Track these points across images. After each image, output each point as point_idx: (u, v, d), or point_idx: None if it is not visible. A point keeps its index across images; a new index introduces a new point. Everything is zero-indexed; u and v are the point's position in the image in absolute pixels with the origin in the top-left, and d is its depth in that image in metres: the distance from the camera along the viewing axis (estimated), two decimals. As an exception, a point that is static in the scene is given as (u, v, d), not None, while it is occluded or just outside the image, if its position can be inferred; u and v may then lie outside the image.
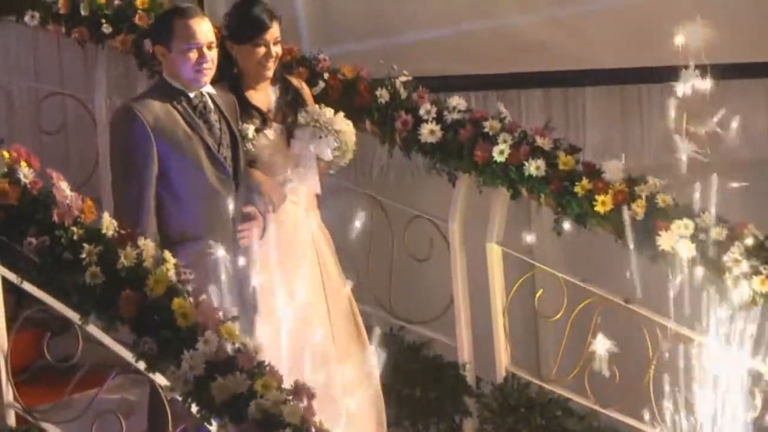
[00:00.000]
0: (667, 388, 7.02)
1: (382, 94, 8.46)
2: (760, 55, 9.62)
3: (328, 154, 7.26)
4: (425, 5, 9.66)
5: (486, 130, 8.30)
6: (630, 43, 9.10)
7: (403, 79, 8.56)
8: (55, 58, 9.78)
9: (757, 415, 7.09)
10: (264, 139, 7.59)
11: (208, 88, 7.44)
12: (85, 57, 9.62)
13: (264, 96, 7.78)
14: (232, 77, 7.73)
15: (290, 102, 7.70)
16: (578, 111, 9.63)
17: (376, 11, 9.37)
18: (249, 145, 7.53)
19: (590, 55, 9.49)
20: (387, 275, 8.16)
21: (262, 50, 7.70)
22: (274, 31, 7.73)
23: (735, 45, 9.01)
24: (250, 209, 7.42)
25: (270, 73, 7.77)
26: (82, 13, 9.15)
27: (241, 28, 7.76)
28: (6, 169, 6.60)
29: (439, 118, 8.42)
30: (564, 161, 8.14)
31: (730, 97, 7.55)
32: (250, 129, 7.56)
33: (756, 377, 7.13)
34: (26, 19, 9.29)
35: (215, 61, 7.43)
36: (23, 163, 6.63)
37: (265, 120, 7.63)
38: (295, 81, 7.84)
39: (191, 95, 7.38)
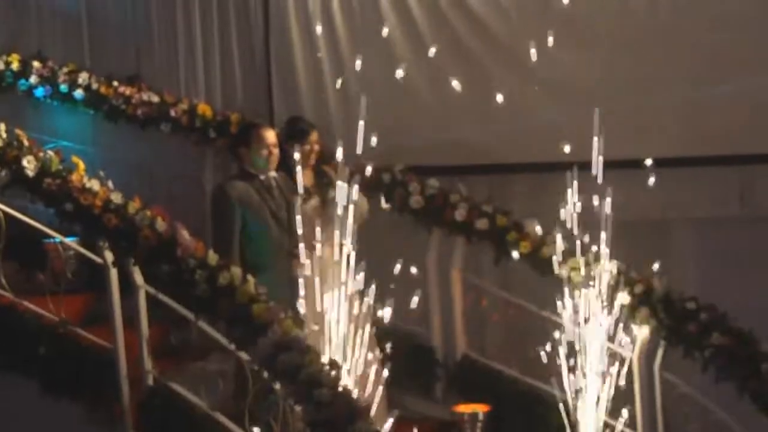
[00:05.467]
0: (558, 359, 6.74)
1: (386, 177, 8.54)
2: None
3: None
4: (416, 123, 9.42)
5: (451, 200, 8.37)
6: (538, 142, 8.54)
7: (400, 167, 8.61)
8: (178, 152, 9.76)
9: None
10: (308, 206, 7.49)
11: (273, 173, 7.56)
12: (198, 151, 9.64)
13: (308, 177, 7.74)
14: (288, 166, 7.65)
15: (324, 182, 7.57)
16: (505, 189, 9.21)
17: (387, 122, 9.09)
18: (298, 209, 7.28)
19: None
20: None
21: (307, 148, 7.74)
22: (313, 136, 7.81)
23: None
24: (297, 251, 7.34)
25: (312, 162, 7.80)
26: (197, 124, 9.38)
27: (293, 135, 7.81)
28: (148, 222, 6.81)
29: (421, 192, 8.48)
30: (500, 220, 8.17)
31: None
32: (298, 199, 7.27)
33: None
34: (162, 127, 9.44)
35: (277, 155, 7.56)
36: (159, 218, 6.82)
37: (308, 193, 7.57)
38: (327, 168, 7.68)
39: (262, 177, 7.52)
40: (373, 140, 6.16)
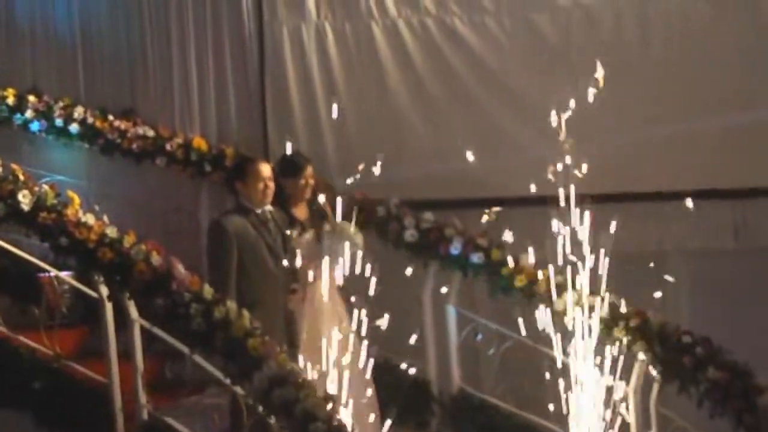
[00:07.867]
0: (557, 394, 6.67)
1: (381, 210, 8.51)
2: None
3: (344, 253, 6.69)
4: (411, 156, 9.40)
5: (446, 234, 8.35)
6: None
7: (394, 201, 8.57)
8: (173, 186, 9.75)
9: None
10: (303, 240, 7.46)
11: (269, 207, 7.46)
12: (193, 185, 9.66)
13: (303, 211, 7.73)
14: (283, 200, 7.67)
15: (319, 216, 7.49)
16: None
17: (381, 156, 9.04)
18: (293, 243, 7.44)
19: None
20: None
21: (302, 182, 7.72)
22: (309, 171, 7.75)
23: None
24: (294, 285, 7.41)
25: (307, 197, 7.75)
26: (193, 158, 9.41)
27: (289, 169, 7.75)
28: (143, 256, 6.84)
29: (416, 226, 8.44)
30: (495, 253, 8.14)
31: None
32: (294, 233, 7.49)
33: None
34: (157, 161, 9.45)
35: (273, 189, 7.48)
36: (154, 252, 6.82)
37: (303, 227, 7.57)
38: (322, 202, 7.39)
39: (258, 212, 7.41)
40: (368, 174, 6.15)
